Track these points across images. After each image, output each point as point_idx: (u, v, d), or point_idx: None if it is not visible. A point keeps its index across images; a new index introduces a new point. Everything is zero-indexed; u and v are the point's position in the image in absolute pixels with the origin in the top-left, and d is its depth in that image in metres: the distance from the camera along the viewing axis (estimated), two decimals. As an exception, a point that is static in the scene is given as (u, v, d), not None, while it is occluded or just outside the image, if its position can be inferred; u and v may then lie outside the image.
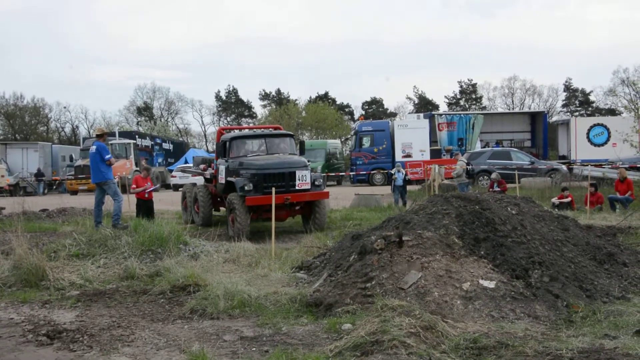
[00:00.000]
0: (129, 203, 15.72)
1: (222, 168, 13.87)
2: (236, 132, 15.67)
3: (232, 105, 68.81)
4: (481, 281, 6.36)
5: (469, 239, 7.20)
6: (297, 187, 12.74)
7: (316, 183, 13.14)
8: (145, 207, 13.91)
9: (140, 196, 14.18)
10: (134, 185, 14.50)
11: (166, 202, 19.28)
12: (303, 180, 12.79)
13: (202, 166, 16.09)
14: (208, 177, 15.44)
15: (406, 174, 20.24)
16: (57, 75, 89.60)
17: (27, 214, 15.79)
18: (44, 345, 5.50)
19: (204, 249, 9.59)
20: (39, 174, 33.79)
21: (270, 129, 16.63)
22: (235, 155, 13.65)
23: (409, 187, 26.00)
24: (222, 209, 15.25)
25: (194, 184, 16.20)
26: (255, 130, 16.82)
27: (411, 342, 4.81)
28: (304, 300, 6.66)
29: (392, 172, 20.34)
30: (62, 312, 6.75)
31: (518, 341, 5.01)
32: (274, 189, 10.76)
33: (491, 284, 6.32)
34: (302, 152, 14.50)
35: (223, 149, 14.02)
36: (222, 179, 13.83)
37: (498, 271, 6.64)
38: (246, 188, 12.39)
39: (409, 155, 31.28)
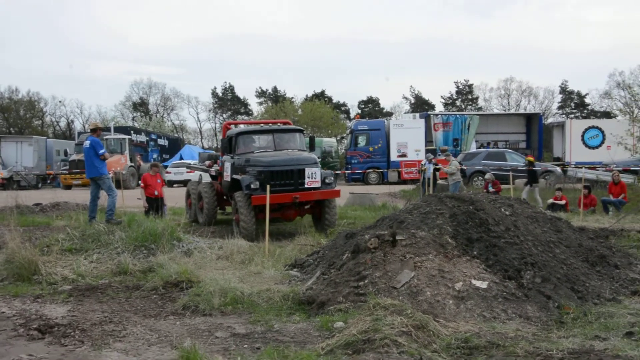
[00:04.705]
0: (123, 198, 15.68)
1: (227, 165, 13.16)
2: (243, 127, 14.89)
3: (228, 102, 68.81)
4: (473, 281, 6.37)
5: (462, 239, 7.22)
6: (306, 185, 12.06)
7: (327, 181, 12.43)
8: (154, 205, 13.68)
9: (149, 194, 13.97)
10: (142, 184, 14.22)
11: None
12: (313, 178, 12.12)
13: (207, 163, 15.51)
14: (213, 174, 14.84)
15: (436, 165, 18.77)
16: (53, 70, 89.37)
17: (21, 208, 15.72)
18: (35, 339, 5.48)
19: (197, 246, 9.56)
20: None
21: (279, 124, 15.33)
22: (241, 151, 12.94)
23: (404, 187, 26.10)
24: (228, 208, 14.60)
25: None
26: (262, 125, 15.88)
27: (403, 341, 4.82)
28: (296, 298, 6.66)
29: (423, 162, 18.93)
30: (54, 307, 6.72)
31: (509, 341, 5.03)
32: (268, 187, 10.56)
33: (483, 284, 6.34)
34: (312, 148, 13.79)
35: (229, 145, 13.31)
36: (227, 176, 13.14)
37: (490, 272, 6.65)
38: (252, 186, 11.67)
39: (404, 155, 31.40)
